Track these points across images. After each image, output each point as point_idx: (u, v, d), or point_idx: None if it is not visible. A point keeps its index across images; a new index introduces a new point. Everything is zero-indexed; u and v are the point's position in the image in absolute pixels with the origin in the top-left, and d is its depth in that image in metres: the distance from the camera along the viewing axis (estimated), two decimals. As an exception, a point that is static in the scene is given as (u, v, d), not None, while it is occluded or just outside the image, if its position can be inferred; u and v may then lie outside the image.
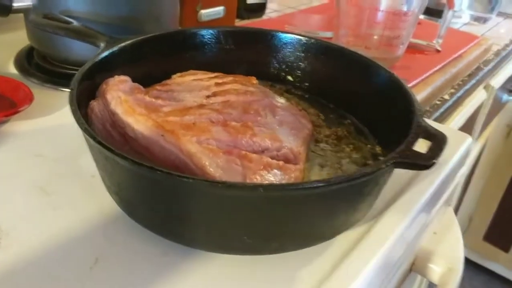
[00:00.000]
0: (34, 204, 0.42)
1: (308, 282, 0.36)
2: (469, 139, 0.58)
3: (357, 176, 0.33)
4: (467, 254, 1.84)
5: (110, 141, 0.40)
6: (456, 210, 1.61)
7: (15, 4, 0.57)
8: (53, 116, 0.55)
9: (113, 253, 0.38)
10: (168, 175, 0.30)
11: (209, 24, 0.84)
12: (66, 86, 0.51)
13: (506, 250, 1.77)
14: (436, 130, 0.39)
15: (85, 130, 0.34)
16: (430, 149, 0.36)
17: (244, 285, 0.36)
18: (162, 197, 0.33)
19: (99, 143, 0.32)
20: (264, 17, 1.04)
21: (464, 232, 1.80)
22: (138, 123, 0.38)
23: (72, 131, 0.41)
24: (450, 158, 0.54)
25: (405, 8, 0.69)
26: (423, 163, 0.35)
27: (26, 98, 0.54)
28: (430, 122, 0.61)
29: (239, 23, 0.97)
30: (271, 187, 0.31)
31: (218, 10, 0.85)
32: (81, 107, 0.42)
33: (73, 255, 0.37)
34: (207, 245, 0.37)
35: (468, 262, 1.87)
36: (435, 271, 0.55)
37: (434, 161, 0.35)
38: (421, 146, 0.37)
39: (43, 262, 0.36)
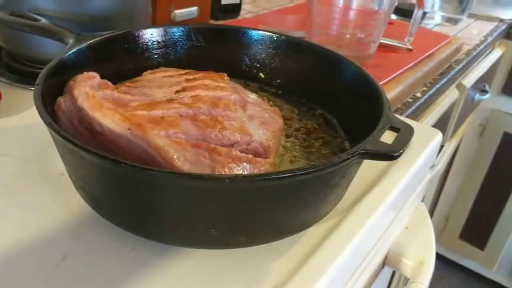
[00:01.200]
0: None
1: (278, 275, 0.36)
2: (439, 134, 0.59)
3: (324, 166, 0.33)
4: (444, 252, 1.87)
5: (78, 137, 0.39)
6: (433, 209, 1.63)
7: (-18, 2, 0.56)
8: (21, 115, 0.54)
9: (80, 250, 0.37)
10: (132, 167, 0.30)
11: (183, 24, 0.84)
12: (35, 85, 0.50)
13: (481, 248, 1.80)
14: (402, 122, 0.39)
15: (48, 124, 0.33)
16: (396, 140, 0.37)
17: (214, 279, 0.36)
18: (128, 191, 0.33)
19: (63, 136, 0.32)
20: (239, 18, 1.04)
21: (441, 232, 1.83)
22: (105, 117, 0.38)
23: (40, 130, 0.40)
24: (420, 152, 0.54)
25: (375, 7, 0.70)
26: (389, 153, 0.35)
27: (-7, 97, 0.53)
28: (402, 118, 0.62)
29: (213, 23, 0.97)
30: (237, 178, 0.31)
31: (192, 11, 0.85)
32: (49, 104, 0.41)
33: (40, 253, 0.36)
34: (176, 239, 0.36)
35: (445, 261, 1.89)
36: (407, 265, 0.55)
37: (400, 151, 0.35)
38: (390, 139, 0.37)
39: (8, 261, 0.35)
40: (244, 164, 0.38)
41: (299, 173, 0.31)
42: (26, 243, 0.37)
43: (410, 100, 0.79)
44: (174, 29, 0.54)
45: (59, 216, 0.40)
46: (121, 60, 0.51)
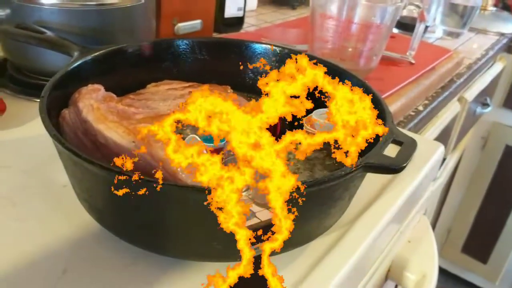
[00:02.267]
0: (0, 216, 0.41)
1: (281, 288, 0.36)
2: (441, 147, 0.59)
3: (327, 180, 0.33)
4: (446, 266, 1.86)
5: (82, 149, 0.39)
6: (435, 222, 1.62)
7: (-12, 15, 0.57)
8: (24, 126, 0.54)
9: (82, 262, 0.37)
10: (136, 180, 0.30)
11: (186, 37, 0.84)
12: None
13: (484, 261, 1.79)
14: (405, 135, 0.39)
15: (53, 136, 0.33)
16: (400, 153, 0.37)
17: (217, 292, 0.36)
18: (132, 203, 0.33)
19: (67, 148, 0.32)
20: (242, 31, 1.05)
21: (443, 245, 1.82)
22: (109, 130, 0.38)
23: (44, 142, 0.40)
24: (422, 165, 0.54)
25: (377, 21, 0.71)
26: (393, 166, 0.35)
27: (-2, 109, 0.53)
28: (404, 131, 0.62)
29: (216, 36, 0.98)
30: (241, 190, 0.31)
31: (195, 24, 0.86)
32: (54, 117, 0.41)
33: (41, 266, 0.36)
34: (178, 252, 0.36)
35: (447, 274, 1.88)
36: (410, 278, 0.55)
37: (403, 164, 0.35)
38: (394, 152, 0.37)
39: (9, 274, 0.35)
40: (248, 176, 0.38)
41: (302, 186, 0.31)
42: (27, 256, 0.37)
43: (412, 113, 0.79)
44: (178, 42, 0.55)
45: (60, 228, 0.40)
46: (125, 73, 0.52)
